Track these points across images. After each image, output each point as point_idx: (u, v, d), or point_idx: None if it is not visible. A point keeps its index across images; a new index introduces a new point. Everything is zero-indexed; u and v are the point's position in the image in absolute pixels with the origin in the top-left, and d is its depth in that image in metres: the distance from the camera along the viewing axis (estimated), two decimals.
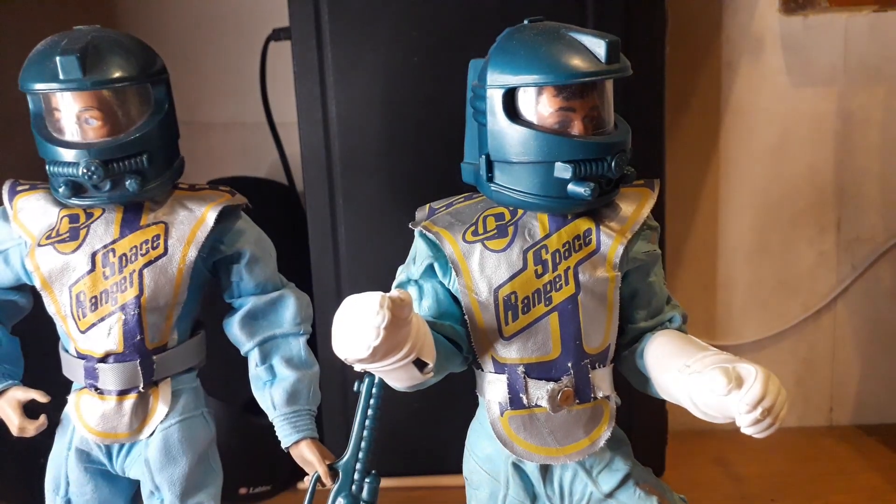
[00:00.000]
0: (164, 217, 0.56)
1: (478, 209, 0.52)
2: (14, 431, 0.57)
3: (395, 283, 0.53)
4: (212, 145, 1.14)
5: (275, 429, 0.59)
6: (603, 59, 0.47)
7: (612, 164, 0.48)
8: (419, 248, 0.53)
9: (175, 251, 0.55)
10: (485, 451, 0.54)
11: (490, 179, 0.50)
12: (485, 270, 0.50)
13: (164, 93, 0.56)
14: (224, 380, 0.93)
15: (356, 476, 0.57)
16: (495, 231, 0.50)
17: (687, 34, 1.01)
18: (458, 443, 0.58)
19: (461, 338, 0.51)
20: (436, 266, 0.51)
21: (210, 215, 0.56)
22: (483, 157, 0.50)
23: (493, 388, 0.51)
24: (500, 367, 0.50)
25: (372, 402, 0.56)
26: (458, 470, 0.57)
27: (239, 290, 0.59)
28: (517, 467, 0.53)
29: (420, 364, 0.46)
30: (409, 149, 0.88)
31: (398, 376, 0.47)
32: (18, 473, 0.98)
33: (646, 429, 0.95)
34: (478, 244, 0.50)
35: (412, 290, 0.52)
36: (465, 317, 0.51)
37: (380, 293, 0.41)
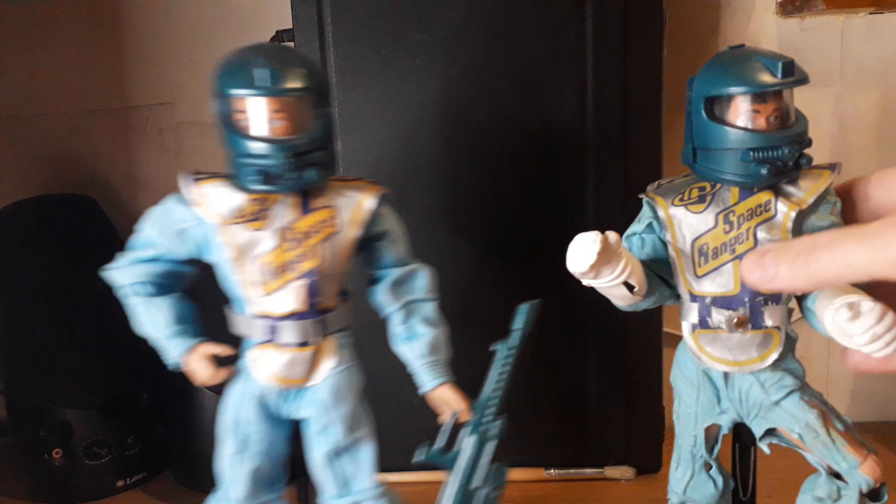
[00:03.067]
0: (330, 202, 0.68)
1: (688, 183, 0.69)
2: (205, 381, 0.69)
3: (625, 234, 0.71)
4: (216, 145, 1.14)
5: (416, 376, 0.71)
6: (779, 76, 0.63)
7: (787, 151, 0.64)
8: (644, 211, 0.71)
9: (344, 230, 0.67)
10: (686, 362, 0.71)
11: (695, 161, 0.68)
12: (686, 227, 0.67)
13: (328, 101, 0.67)
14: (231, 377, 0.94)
15: (487, 416, 0.68)
16: (697, 199, 0.67)
17: (684, 36, 1.02)
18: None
19: (670, 276, 0.70)
20: (654, 223, 0.69)
21: (368, 201, 0.69)
22: (691, 145, 0.68)
23: (689, 313, 0.69)
24: (693, 298, 0.68)
25: (508, 359, 0.67)
26: None
27: (383, 262, 0.71)
28: (706, 374, 0.70)
29: (629, 287, 0.64)
30: (411, 150, 0.89)
31: (615, 293, 0.66)
32: (23, 470, 1.00)
33: (643, 426, 0.97)
34: (682, 207, 0.68)
35: (636, 241, 0.70)
36: (671, 260, 0.69)
37: (598, 232, 0.60)
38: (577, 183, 0.91)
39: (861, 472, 0.66)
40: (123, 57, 1.13)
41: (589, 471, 0.98)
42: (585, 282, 0.64)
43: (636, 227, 0.71)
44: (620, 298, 0.67)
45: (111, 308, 1.01)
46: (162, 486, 1.02)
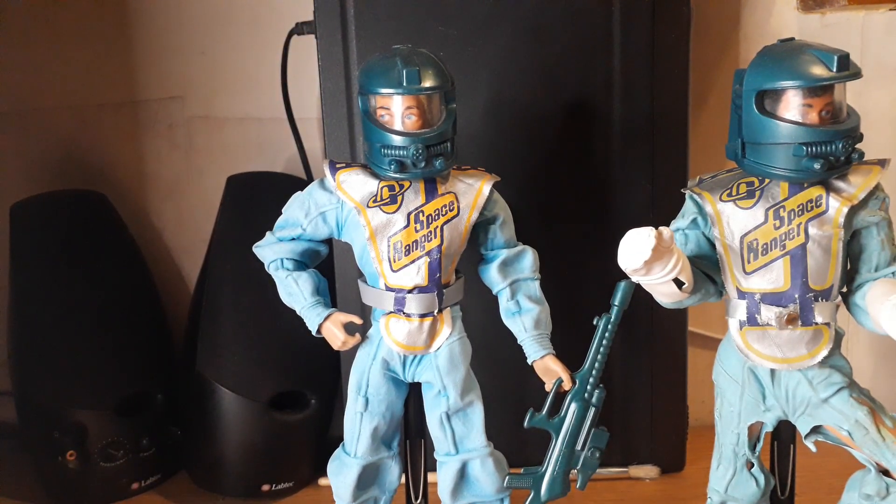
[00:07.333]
0: (451, 188, 0.74)
1: (734, 178, 0.69)
2: (338, 346, 0.75)
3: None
4: (227, 140, 1.13)
5: (523, 347, 0.77)
6: (834, 69, 0.62)
7: (840, 146, 0.63)
8: (687, 206, 0.70)
9: (464, 213, 0.74)
10: (730, 360, 0.71)
11: (744, 156, 0.67)
12: (735, 223, 0.67)
13: (453, 98, 0.73)
14: (249, 377, 0.93)
15: (589, 386, 0.74)
16: (745, 194, 0.67)
17: (705, 32, 1.01)
18: None
19: (716, 272, 0.69)
20: (698, 219, 0.69)
21: (486, 188, 0.75)
22: (739, 139, 0.67)
23: (736, 310, 0.68)
24: (741, 295, 0.68)
25: (608, 332, 0.72)
26: None
27: (493, 244, 0.78)
28: (752, 372, 0.70)
29: (678, 283, 0.65)
30: None
31: (662, 290, 0.66)
32: (35, 473, 0.98)
33: (667, 425, 0.97)
34: (730, 203, 0.67)
35: (679, 237, 0.70)
36: (718, 257, 0.68)
37: (651, 227, 0.60)
38: (604, 176, 0.91)
39: None
40: (133, 50, 1.11)
41: (613, 470, 0.98)
42: (635, 278, 0.64)
43: (679, 222, 0.70)
44: (667, 295, 0.67)
45: (123, 305, 1.00)
46: (177, 487, 1.00)
